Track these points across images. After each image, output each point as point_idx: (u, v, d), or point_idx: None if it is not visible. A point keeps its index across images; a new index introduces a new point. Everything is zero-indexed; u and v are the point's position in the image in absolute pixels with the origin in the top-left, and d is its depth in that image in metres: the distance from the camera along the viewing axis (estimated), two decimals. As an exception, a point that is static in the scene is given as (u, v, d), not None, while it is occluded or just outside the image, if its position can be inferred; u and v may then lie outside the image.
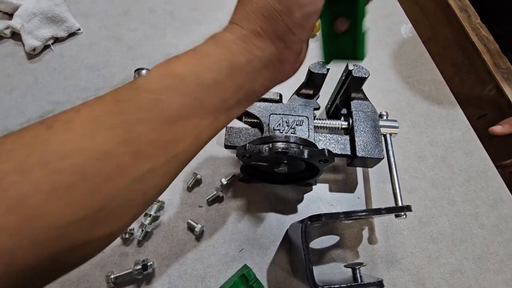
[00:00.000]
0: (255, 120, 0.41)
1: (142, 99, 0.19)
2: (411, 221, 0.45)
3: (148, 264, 0.38)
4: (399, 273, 0.42)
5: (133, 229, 0.41)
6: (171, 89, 0.20)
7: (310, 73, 0.42)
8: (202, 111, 0.21)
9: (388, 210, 0.33)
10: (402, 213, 0.37)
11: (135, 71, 0.50)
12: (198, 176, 0.45)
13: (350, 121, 0.42)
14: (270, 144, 0.35)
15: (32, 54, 0.53)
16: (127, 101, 0.19)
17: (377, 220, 0.45)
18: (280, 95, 0.43)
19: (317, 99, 0.44)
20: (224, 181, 0.44)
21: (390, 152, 0.42)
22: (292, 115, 0.41)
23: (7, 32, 0.53)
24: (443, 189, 0.48)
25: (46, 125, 0.17)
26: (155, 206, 0.42)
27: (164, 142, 0.20)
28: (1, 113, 0.48)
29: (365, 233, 0.44)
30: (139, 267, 0.38)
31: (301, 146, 0.36)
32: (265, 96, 0.42)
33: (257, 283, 0.38)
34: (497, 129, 0.52)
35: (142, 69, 0.50)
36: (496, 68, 0.61)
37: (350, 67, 0.41)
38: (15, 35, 0.54)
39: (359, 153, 0.40)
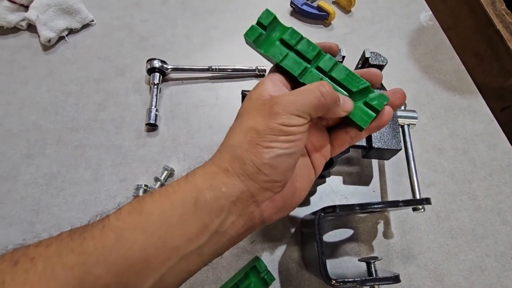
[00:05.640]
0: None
1: (106, 237, 0.19)
2: (429, 216, 0.43)
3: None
4: (416, 269, 0.40)
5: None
6: (135, 227, 0.20)
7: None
8: (165, 250, 0.20)
9: (406, 203, 0.32)
10: (420, 207, 0.35)
11: (147, 61, 0.50)
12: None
13: (366, 111, 0.41)
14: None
15: (47, 46, 0.54)
16: (91, 239, 0.19)
17: (393, 214, 0.43)
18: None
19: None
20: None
21: (408, 144, 0.41)
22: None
23: (23, 24, 0.54)
24: (463, 183, 0.46)
25: (13, 261, 0.18)
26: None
27: (121, 287, 0.19)
28: (16, 104, 0.49)
29: (380, 227, 0.43)
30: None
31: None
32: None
33: (268, 275, 0.37)
34: (523, 120, 0.50)
35: (154, 59, 0.50)
36: (523, 57, 0.58)
37: (367, 55, 0.40)
38: (31, 27, 0.55)
39: (375, 144, 0.38)
